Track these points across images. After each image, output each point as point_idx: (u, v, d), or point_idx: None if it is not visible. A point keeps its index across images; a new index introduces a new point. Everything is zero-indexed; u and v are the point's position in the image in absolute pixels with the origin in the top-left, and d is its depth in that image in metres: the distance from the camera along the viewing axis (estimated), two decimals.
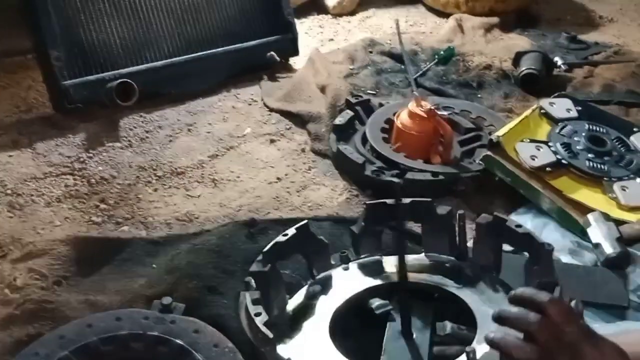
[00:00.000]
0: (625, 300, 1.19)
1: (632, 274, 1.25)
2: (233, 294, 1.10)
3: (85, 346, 0.98)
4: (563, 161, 1.44)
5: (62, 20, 1.64)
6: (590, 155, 1.46)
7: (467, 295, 1.03)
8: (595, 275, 1.23)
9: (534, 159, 1.43)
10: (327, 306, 1.03)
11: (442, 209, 1.13)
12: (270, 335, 0.90)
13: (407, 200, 1.11)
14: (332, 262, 1.13)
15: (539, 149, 1.46)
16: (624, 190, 1.38)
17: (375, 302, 1.06)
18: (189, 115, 1.69)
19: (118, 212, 1.33)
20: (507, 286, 1.07)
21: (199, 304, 1.08)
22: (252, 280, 1.01)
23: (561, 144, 1.47)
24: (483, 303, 1.02)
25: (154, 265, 1.17)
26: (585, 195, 1.39)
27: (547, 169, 1.42)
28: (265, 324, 0.92)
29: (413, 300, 1.01)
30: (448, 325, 1.00)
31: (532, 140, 1.48)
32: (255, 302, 0.96)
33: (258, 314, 0.94)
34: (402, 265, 0.98)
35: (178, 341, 0.98)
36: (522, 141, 1.47)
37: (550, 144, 1.48)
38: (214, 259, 1.17)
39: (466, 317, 1.01)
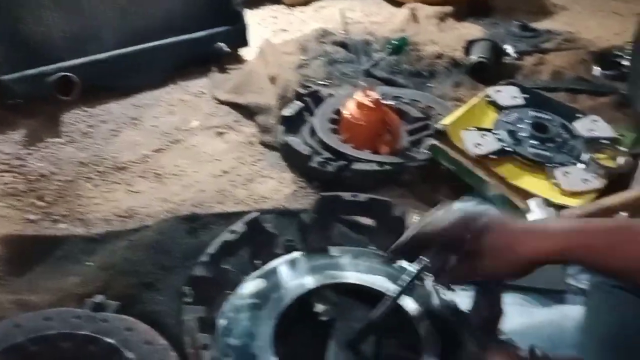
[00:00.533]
0: (563, 285, 1.20)
1: None
2: (171, 291, 1.09)
3: (14, 346, 0.95)
4: (507, 148, 1.44)
5: (0, 13, 1.60)
6: (533, 142, 1.47)
7: (408, 302, 1.01)
8: None
9: (478, 147, 1.43)
10: (272, 307, 0.99)
11: (399, 210, 1.12)
12: None
13: (364, 197, 1.09)
14: (278, 253, 1.11)
15: (483, 137, 1.46)
16: (566, 175, 1.39)
17: (321, 307, 1.05)
18: (134, 109, 1.66)
19: (56, 210, 1.30)
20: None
21: (135, 301, 1.06)
22: (190, 290, 0.97)
23: (506, 132, 1.48)
24: (425, 311, 1.01)
25: (88, 263, 1.15)
26: (529, 181, 1.40)
27: (492, 156, 1.43)
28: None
29: (357, 303, 1.00)
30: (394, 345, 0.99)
31: (477, 129, 1.49)
32: (202, 326, 0.89)
33: (206, 347, 0.87)
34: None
35: (108, 340, 0.96)
36: (467, 129, 1.48)
37: (495, 131, 1.48)
38: (151, 255, 1.15)
39: (407, 324, 1.00)
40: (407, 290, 0.89)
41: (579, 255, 0.80)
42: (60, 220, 1.28)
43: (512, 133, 1.48)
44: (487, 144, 1.44)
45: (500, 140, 1.46)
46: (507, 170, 1.42)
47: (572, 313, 1.12)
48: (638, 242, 0.78)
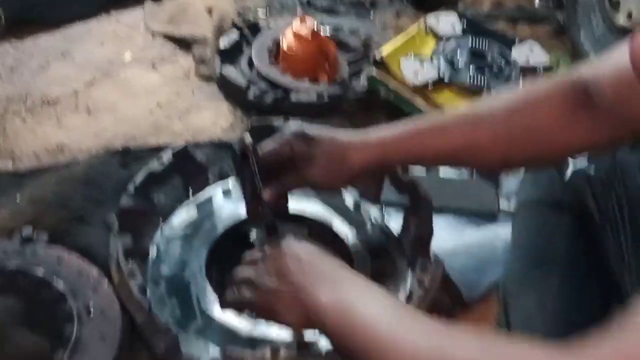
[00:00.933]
0: (495, 207, 1.24)
1: (505, 181, 1.29)
2: (102, 223, 1.07)
3: None
4: (445, 77, 1.45)
5: None
6: (471, 70, 1.47)
7: (341, 226, 1.04)
8: (469, 186, 1.27)
9: (417, 76, 1.43)
10: (205, 235, 1.00)
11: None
12: (147, 305, 0.83)
13: (296, 122, 1.06)
14: (211, 181, 1.10)
15: (422, 66, 1.46)
16: None
17: (254, 234, 1.05)
18: (64, 42, 1.59)
19: None
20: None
21: (65, 235, 1.04)
22: (117, 220, 0.96)
23: (444, 60, 1.48)
24: (357, 235, 1.03)
25: (18, 197, 1.12)
26: None
27: (430, 85, 1.43)
28: (141, 288, 0.85)
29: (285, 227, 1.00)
30: None
31: (416, 58, 1.48)
32: (127, 254, 0.89)
33: (132, 275, 0.86)
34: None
35: (37, 272, 0.95)
36: (406, 58, 1.47)
37: (433, 60, 1.48)
38: (82, 189, 1.13)
39: (340, 248, 1.02)
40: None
41: (396, 159, 0.89)
42: None
43: (450, 61, 1.48)
44: (426, 73, 1.44)
45: (438, 69, 1.46)
46: (445, 98, 1.43)
47: (502, 233, 1.16)
48: (441, 129, 0.87)
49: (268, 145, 0.89)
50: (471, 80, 1.45)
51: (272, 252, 0.83)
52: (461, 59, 1.50)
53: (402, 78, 1.43)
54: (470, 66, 1.48)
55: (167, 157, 1.00)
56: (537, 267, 0.95)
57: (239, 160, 0.89)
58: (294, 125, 0.92)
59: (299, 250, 0.81)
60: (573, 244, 0.92)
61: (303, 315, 0.74)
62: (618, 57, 0.75)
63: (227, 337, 0.85)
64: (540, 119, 0.82)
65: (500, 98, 0.92)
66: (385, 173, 1.00)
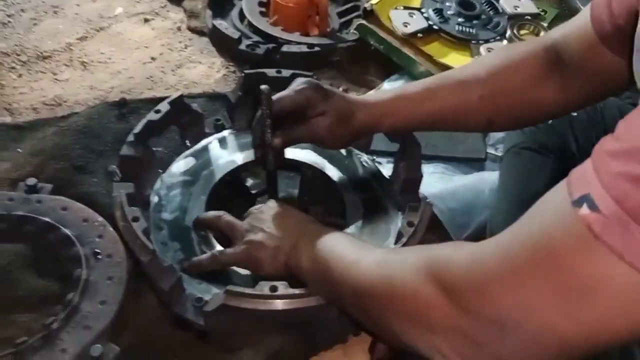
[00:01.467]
0: (483, 153, 1.28)
1: None
2: (103, 173, 1.11)
3: None
4: (434, 27, 1.47)
5: None
6: (460, 20, 1.50)
7: (334, 171, 1.07)
8: (458, 135, 1.31)
9: (406, 26, 1.45)
10: (203, 182, 1.03)
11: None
12: (151, 246, 0.85)
13: (288, 73, 1.10)
14: (207, 131, 1.13)
15: (411, 16, 1.48)
16: (489, 51, 1.44)
17: (250, 181, 1.08)
18: None
19: None
20: (375, 159, 1.13)
21: (67, 184, 1.07)
22: (118, 169, 0.98)
23: (433, 10, 1.50)
24: (349, 179, 1.06)
25: (19, 150, 1.14)
26: (454, 58, 1.44)
27: (419, 35, 1.45)
28: (144, 231, 0.87)
29: (281, 173, 1.03)
30: (320, 211, 1.06)
31: (406, 8, 1.50)
32: (131, 200, 0.91)
33: (136, 219, 0.88)
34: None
35: (45, 219, 0.98)
36: (395, 9, 1.49)
37: (422, 10, 1.50)
38: (82, 139, 1.15)
39: (333, 192, 1.06)
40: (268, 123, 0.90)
41: (388, 122, 0.93)
42: None
43: (439, 11, 1.50)
44: (415, 23, 1.47)
45: (427, 19, 1.48)
46: (434, 48, 1.46)
47: (489, 177, 1.20)
48: (430, 93, 0.92)
49: (285, 93, 0.91)
50: (460, 29, 1.48)
51: (260, 210, 0.91)
52: (450, 9, 1.52)
53: (392, 28, 1.45)
54: (459, 16, 1.50)
55: (163, 106, 1.02)
56: (522, 207, 1.00)
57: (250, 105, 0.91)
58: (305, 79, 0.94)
59: (282, 211, 0.89)
60: (554, 182, 0.96)
61: (283, 267, 0.84)
62: (582, 18, 0.80)
63: (227, 277, 0.89)
64: (518, 79, 0.87)
65: (483, 62, 0.96)
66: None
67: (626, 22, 0.72)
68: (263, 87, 0.86)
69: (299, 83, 0.92)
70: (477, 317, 0.53)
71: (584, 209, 0.47)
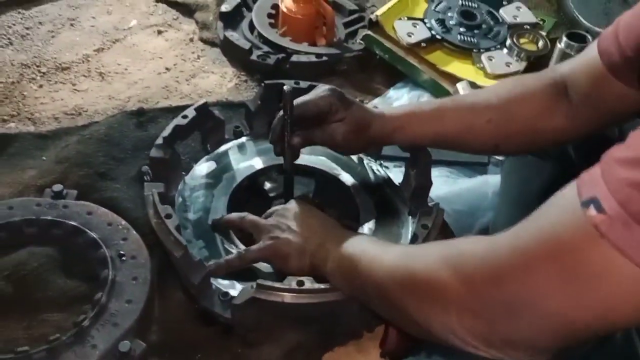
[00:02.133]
0: (486, 158, 1.33)
1: None
2: (124, 179, 1.16)
3: None
4: (437, 36, 1.53)
5: None
6: (461, 29, 1.56)
7: (347, 177, 1.13)
8: None
9: (410, 36, 1.51)
10: (224, 185, 1.08)
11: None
12: (184, 242, 0.90)
13: (305, 84, 1.15)
14: (227, 137, 1.18)
15: (415, 26, 1.54)
16: (491, 60, 1.49)
17: (268, 185, 1.14)
18: (71, 10, 1.65)
19: (3, 110, 1.32)
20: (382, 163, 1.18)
21: (91, 190, 1.12)
22: (149, 169, 1.04)
23: (435, 20, 1.56)
24: (361, 185, 1.12)
25: (43, 158, 1.20)
26: (457, 66, 1.50)
27: (422, 44, 1.51)
28: (177, 227, 0.91)
29: (297, 179, 1.09)
30: (334, 215, 1.09)
31: (409, 18, 1.56)
32: (162, 199, 0.96)
33: (169, 216, 0.93)
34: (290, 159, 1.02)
35: (71, 222, 1.03)
36: (399, 19, 1.54)
37: (425, 20, 1.56)
38: (103, 147, 1.20)
39: (346, 197, 1.11)
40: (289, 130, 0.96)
41: (407, 132, 0.98)
42: (9, 120, 1.31)
43: (441, 21, 1.56)
44: (419, 33, 1.52)
45: (430, 29, 1.54)
46: (436, 57, 1.52)
47: (492, 181, 1.26)
48: (440, 114, 0.99)
49: (309, 97, 0.97)
50: (461, 39, 1.53)
51: (284, 208, 0.96)
52: (452, 19, 1.57)
53: (396, 38, 1.51)
54: (461, 26, 1.56)
55: (189, 112, 1.08)
56: (523, 209, 1.05)
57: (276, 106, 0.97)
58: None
59: (307, 211, 0.95)
60: (553, 185, 1.02)
61: (309, 265, 0.89)
62: (590, 52, 0.86)
63: (251, 274, 0.95)
64: (526, 108, 0.93)
65: (495, 89, 1.02)
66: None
67: (634, 52, 0.77)
68: (286, 87, 0.92)
69: (323, 89, 0.98)
70: (490, 301, 0.59)
71: (592, 210, 0.53)
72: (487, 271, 0.60)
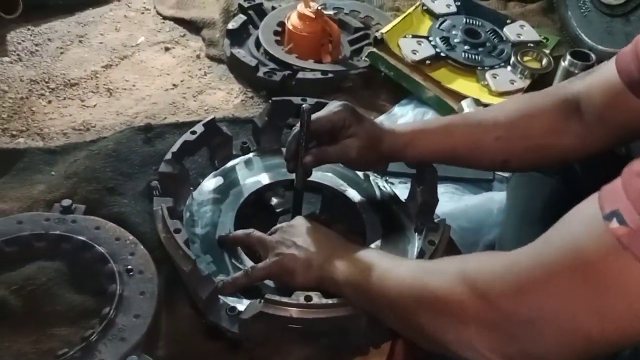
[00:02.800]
0: (491, 175, 1.34)
1: None
2: (132, 194, 1.17)
3: None
4: (441, 54, 1.54)
5: None
6: (466, 47, 1.57)
7: (353, 194, 1.14)
8: None
9: (415, 53, 1.52)
10: (231, 201, 1.09)
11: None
12: (193, 256, 0.90)
13: (312, 101, 1.15)
14: (234, 153, 1.19)
15: (419, 44, 1.55)
16: (495, 77, 1.51)
17: (275, 200, 1.15)
18: (79, 26, 1.67)
19: (12, 125, 1.34)
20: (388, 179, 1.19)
21: (99, 205, 1.13)
22: (158, 183, 1.05)
23: (440, 38, 1.58)
24: (367, 201, 1.12)
25: (52, 173, 1.21)
26: (461, 84, 1.51)
27: (427, 62, 1.53)
28: (185, 242, 0.92)
29: (307, 196, 1.08)
30: (341, 230, 1.10)
31: (414, 36, 1.57)
32: (171, 214, 0.96)
33: (177, 231, 0.93)
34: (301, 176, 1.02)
35: (80, 237, 1.04)
36: (404, 37, 1.56)
37: (430, 38, 1.58)
38: (111, 163, 1.21)
39: (352, 213, 1.12)
40: (302, 150, 0.97)
41: (417, 148, 1.00)
42: (18, 135, 1.32)
43: (446, 39, 1.58)
44: (423, 50, 1.54)
45: (435, 46, 1.56)
46: (441, 74, 1.53)
47: (497, 197, 1.26)
48: (448, 130, 1.00)
49: (323, 113, 0.98)
50: (466, 56, 1.55)
51: (289, 225, 0.97)
52: (456, 37, 1.59)
53: (401, 55, 1.53)
54: (465, 43, 1.58)
55: (198, 128, 1.09)
56: (528, 225, 1.06)
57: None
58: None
59: (312, 227, 0.95)
60: (559, 201, 1.03)
61: (316, 280, 0.89)
62: (606, 70, 0.87)
63: (258, 288, 0.95)
64: (535, 125, 0.94)
65: (503, 106, 1.03)
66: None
67: None
68: (305, 105, 0.93)
69: (336, 105, 0.99)
70: (510, 315, 0.59)
71: (614, 223, 0.54)
72: (507, 285, 0.60)
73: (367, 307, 0.82)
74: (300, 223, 0.96)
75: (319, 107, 1.01)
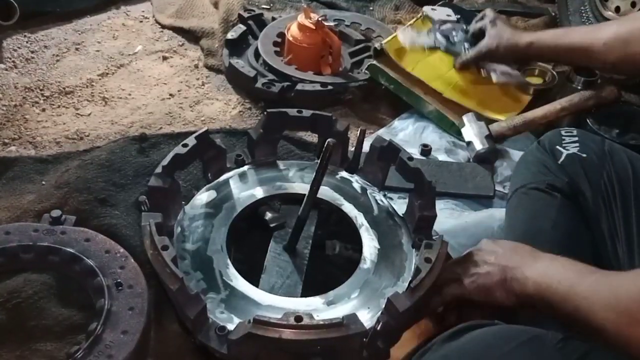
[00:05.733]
0: (491, 191, 1.31)
1: (499, 168, 1.37)
2: (124, 205, 1.14)
3: None
4: (441, 48, 1.53)
5: None
6: (467, 45, 1.54)
7: (350, 208, 1.10)
8: (467, 170, 1.35)
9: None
10: (224, 215, 1.06)
11: (340, 125, 1.15)
12: (181, 274, 0.85)
13: (308, 113, 1.13)
14: (228, 166, 1.16)
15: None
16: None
17: (269, 215, 1.11)
18: (77, 34, 1.65)
19: (4, 133, 1.32)
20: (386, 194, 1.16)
21: (90, 216, 1.10)
22: (146, 198, 1.02)
23: (440, 35, 1.56)
24: (364, 216, 1.09)
25: (43, 182, 1.18)
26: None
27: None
28: (173, 260, 0.88)
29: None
30: (337, 245, 1.08)
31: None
32: (161, 229, 0.93)
33: (165, 248, 0.89)
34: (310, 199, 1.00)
35: (69, 250, 1.01)
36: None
37: (429, 34, 1.56)
38: (104, 173, 1.19)
39: (348, 228, 1.09)
40: (319, 181, 0.96)
41: (540, 45, 1.32)
42: (10, 144, 1.30)
43: (446, 37, 1.56)
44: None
45: (434, 40, 1.55)
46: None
47: (497, 214, 1.24)
48: (565, 32, 1.33)
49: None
50: (467, 52, 1.52)
51: (477, 250, 0.96)
52: (457, 36, 1.57)
53: (402, 65, 1.50)
54: (466, 43, 1.55)
55: (190, 141, 1.06)
56: (528, 240, 1.03)
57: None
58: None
59: (499, 243, 0.95)
60: (563, 219, 1.01)
61: (511, 291, 0.88)
62: None
63: (249, 307, 0.92)
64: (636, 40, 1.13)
65: (607, 24, 1.29)
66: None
67: None
68: (330, 140, 0.93)
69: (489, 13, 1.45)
70: None
71: None
72: None
73: (555, 314, 0.83)
74: (484, 243, 0.96)
75: (314, 118, 0.98)
